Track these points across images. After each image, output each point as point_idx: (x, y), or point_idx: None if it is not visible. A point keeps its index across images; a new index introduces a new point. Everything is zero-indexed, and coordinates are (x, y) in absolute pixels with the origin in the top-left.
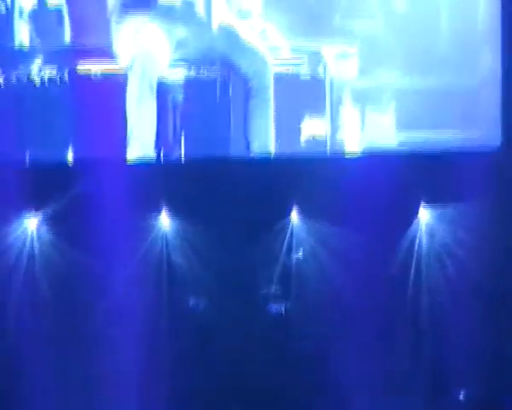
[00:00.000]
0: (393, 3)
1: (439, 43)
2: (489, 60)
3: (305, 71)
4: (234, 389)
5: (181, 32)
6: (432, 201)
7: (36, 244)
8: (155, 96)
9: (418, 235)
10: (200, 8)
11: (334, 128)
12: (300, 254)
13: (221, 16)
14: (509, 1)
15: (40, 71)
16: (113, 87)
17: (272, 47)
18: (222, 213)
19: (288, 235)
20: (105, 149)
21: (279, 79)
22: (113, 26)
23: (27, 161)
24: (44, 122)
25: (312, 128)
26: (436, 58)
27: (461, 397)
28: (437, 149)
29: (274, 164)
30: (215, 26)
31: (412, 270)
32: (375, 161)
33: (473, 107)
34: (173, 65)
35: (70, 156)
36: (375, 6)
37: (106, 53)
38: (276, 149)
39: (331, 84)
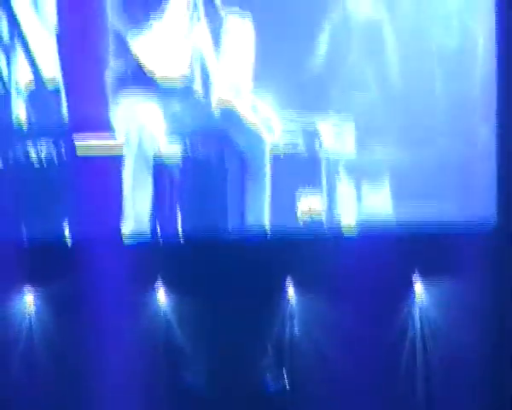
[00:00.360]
0: (388, 77)
1: (435, 116)
2: (484, 132)
3: (300, 146)
4: None
5: (178, 108)
6: (427, 277)
7: (34, 321)
8: (152, 172)
9: (413, 311)
10: (197, 85)
11: (331, 203)
12: (296, 329)
13: (219, 93)
14: (503, 72)
15: (37, 148)
16: (110, 163)
17: (267, 123)
18: (218, 290)
19: (284, 310)
20: (102, 225)
21: (275, 154)
22: (111, 102)
23: (25, 239)
24: (42, 200)
25: (308, 203)
26: (431, 131)
27: None
28: (433, 225)
29: (270, 240)
30: (213, 102)
31: (408, 345)
32: (371, 238)
33: (468, 179)
34: (170, 141)
35: (67, 234)
36: (370, 79)
37: (103, 129)
38: (271, 224)
39: (327, 159)
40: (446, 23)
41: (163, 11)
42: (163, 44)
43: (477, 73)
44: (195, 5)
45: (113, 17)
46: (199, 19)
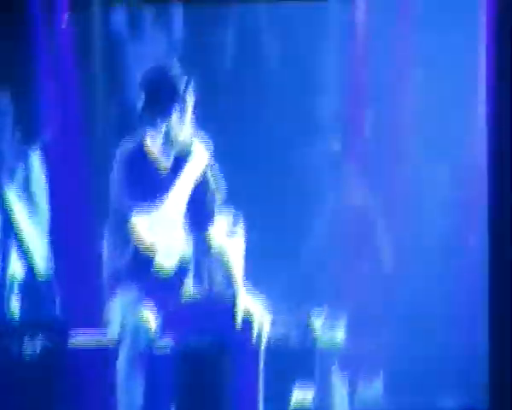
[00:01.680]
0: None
1: (431, 310)
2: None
3: (293, 338)
4: None
5: (174, 303)
6: None
7: None
8: (144, 367)
9: None
10: (194, 279)
11: (323, 395)
12: None
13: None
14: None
15: (31, 347)
16: (103, 356)
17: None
18: None
19: None
20: None
21: (268, 345)
22: (106, 297)
23: None
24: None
25: (300, 395)
26: (428, 321)
27: None
28: None
29: None
30: (212, 298)
31: None
32: None
33: (461, 372)
34: (164, 335)
35: None
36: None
37: (96, 324)
38: None
39: (320, 351)
40: (439, 218)
41: (167, 196)
42: (164, 229)
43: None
44: None
45: (114, 199)
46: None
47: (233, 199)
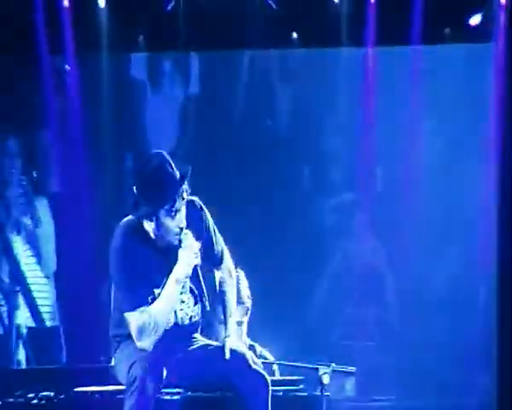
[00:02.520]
0: (389, 322)
1: (438, 366)
2: (487, 381)
3: (301, 391)
4: None
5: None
6: None
7: None
8: None
9: None
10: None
11: None
12: None
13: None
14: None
15: (37, 394)
16: (111, 407)
17: (267, 365)
18: None
19: None
20: None
21: (275, 397)
22: (113, 345)
23: None
24: None
25: None
26: (434, 380)
27: None
28: None
29: None
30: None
31: None
32: None
33: None
34: (170, 385)
35: None
36: (373, 328)
37: (103, 373)
38: None
39: (328, 404)
40: (447, 275)
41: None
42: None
43: (477, 322)
44: None
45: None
46: None
47: (238, 254)
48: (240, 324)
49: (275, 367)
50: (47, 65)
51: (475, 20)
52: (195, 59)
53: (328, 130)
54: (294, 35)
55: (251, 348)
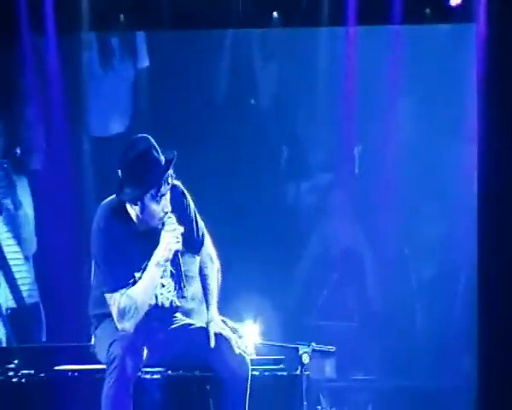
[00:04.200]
0: (369, 304)
1: (416, 346)
2: (465, 364)
3: (281, 370)
4: None
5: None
6: None
7: None
8: (131, 395)
9: None
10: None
11: None
12: None
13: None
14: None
15: (17, 373)
16: (90, 385)
17: (247, 347)
18: None
19: None
20: None
21: (255, 377)
22: (93, 323)
23: None
24: None
25: None
26: (412, 357)
27: None
28: None
29: None
30: (194, 327)
31: None
32: None
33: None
34: (151, 364)
35: None
36: (352, 308)
37: (83, 352)
38: None
39: (307, 384)
40: (428, 256)
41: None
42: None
43: (457, 305)
44: None
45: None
46: None
47: (221, 237)
48: None
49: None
50: (27, 43)
51: (456, 0)
52: (173, 38)
53: (307, 111)
54: (275, 14)
55: (233, 331)
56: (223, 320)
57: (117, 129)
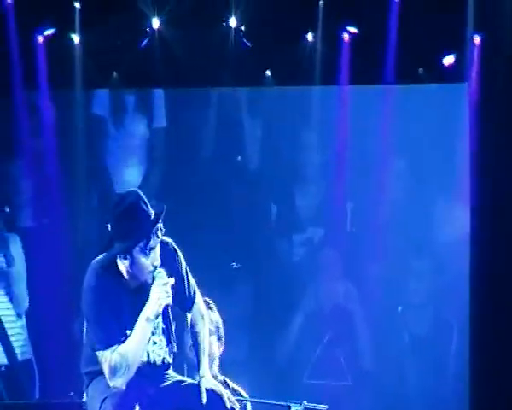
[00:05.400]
0: (362, 363)
1: (409, 404)
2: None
3: None
4: None
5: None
6: None
7: None
8: None
9: None
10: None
11: None
12: None
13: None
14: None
15: None
16: None
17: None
18: None
19: None
20: None
21: None
22: (85, 380)
23: None
24: None
25: None
26: None
27: None
28: None
29: None
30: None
31: None
32: None
33: None
34: None
35: None
36: (344, 367)
37: (75, 409)
38: None
39: None
40: (420, 314)
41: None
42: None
43: (450, 363)
44: None
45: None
46: None
47: (211, 287)
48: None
49: (248, 405)
50: (19, 99)
51: (449, 60)
52: (169, 96)
53: (300, 167)
54: (268, 73)
55: (224, 383)
56: (224, 381)
57: (107, 185)
